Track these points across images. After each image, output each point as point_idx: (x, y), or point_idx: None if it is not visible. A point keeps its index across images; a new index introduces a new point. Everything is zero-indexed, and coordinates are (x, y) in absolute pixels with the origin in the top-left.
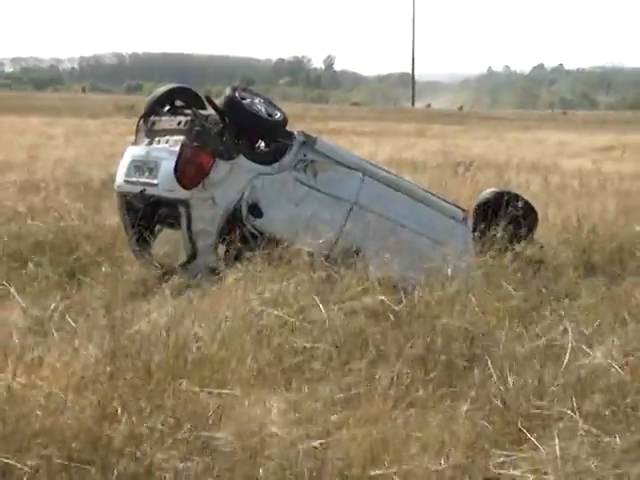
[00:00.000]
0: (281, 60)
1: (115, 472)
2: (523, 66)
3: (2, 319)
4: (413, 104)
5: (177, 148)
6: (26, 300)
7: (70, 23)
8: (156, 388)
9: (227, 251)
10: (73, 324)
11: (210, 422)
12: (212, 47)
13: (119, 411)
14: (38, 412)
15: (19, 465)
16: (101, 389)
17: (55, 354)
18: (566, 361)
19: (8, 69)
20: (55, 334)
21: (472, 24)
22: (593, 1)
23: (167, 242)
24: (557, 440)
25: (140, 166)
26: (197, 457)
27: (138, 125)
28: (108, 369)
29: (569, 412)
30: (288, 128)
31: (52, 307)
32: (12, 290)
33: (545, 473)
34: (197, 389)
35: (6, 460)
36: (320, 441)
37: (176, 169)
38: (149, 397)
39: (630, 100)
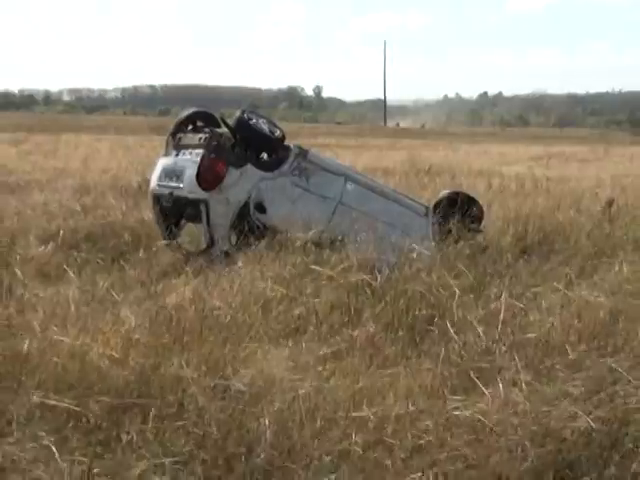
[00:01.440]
0: (280, 89)
1: (153, 412)
2: (471, 93)
3: (62, 295)
4: (385, 123)
5: (198, 159)
6: (81, 279)
7: (114, 60)
8: (185, 346)
9: (238, 240)
10: (117, 297)
11: (228, 371)
12: (225, 79)
13: (157, 365)
14: (94, 366)
15: (81, 410)
16: (141, 348)
17: (104, 321)
18: (505, 323)
19: (66, 98)
20: (104, 305)
21: (430, 60)
22: (523, 42)
23: (190, 233)
24: (501, 387)
25: (169, 173)
26: (218, 400)
27: (167, 141)
28: (146, 332)
29: (511, 364)
30: (286, 142)
31: (101, 285)
32: (70, 272)
33: (490, 414)
34: (217, 347)
35: (71, 406)
36: (313, 385)
37: (198, 175)
38: (180, 353)
39: (554, 119)
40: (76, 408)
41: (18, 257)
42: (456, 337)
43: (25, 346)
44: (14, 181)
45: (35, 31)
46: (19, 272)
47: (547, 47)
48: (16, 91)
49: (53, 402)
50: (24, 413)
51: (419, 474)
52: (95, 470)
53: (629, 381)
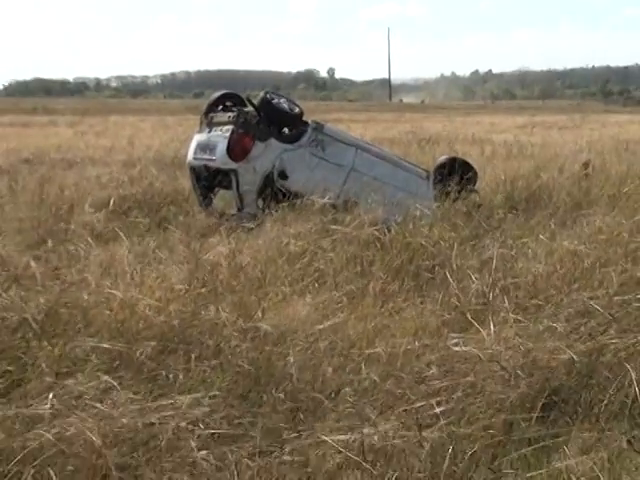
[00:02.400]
0: (298, 72)
1: (195, 354)
2: (464, 71)
3: (115, 253)
4: (390, 99)
5: (228, 134)
6: (130, 241)
7: (154, 49)
8: (220, 296)
9: (264, 203)
10: (162, 255)
11: (258, 316)
12: (251, 64)
13: (196, 312)
14: (142, 315)
15: (130, 351)
16: (184, 298)
17: (151, 275)
18: (497, 270)
19: (113, 84)
20: (150, 263)
21: (428, 43)
22: (509, 24)
23: (223, 199)
24: (493, 325)
25: (203, 147)
26: (249, 341)
27: (201, 120)
28: (188, 285)
29: (502, 306)
30: (304, 118)
31: (148, 244)
32: (121, 234)
33: (485, 348)
34: (248, 296)
35: (122, 349)
36: (331, 326)
37: (228, 148)
38: (216, 302)
39: (537, 92)
40: (125, 349)
41: (76, 222)
42: (454, 283)
43: (83, 299)
44: (71, 158)
45: (85, 25)
46: (78, 235)
47: (529, 28)
48: (71, 79)
49: (107, 346)
50: (83, 356)
51: (424, 402)
52: (147, 405)
53: (605, 317)
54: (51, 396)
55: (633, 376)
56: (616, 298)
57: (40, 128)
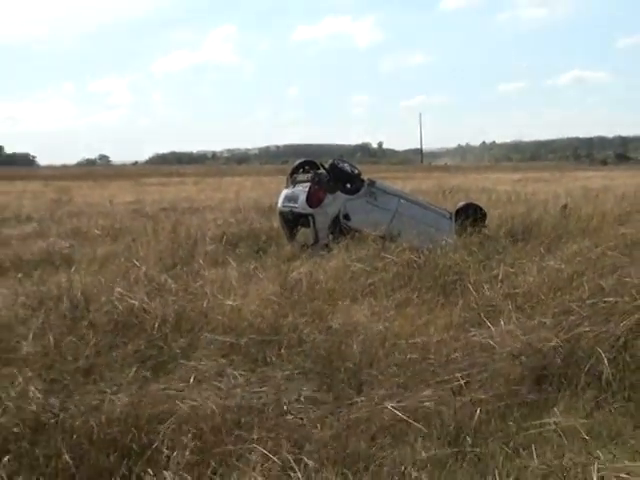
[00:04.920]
0: (356, 145)
1: (284, 344)
2: (475, 142)
3: (226, 273)
4: (422, 162)
5: (307, 189)
6: (237, 264)
7: (254, 128)
8: (301, 304)
9: (333, 237)
10: (260, 275)
11: (330, 317)
12: (323, 139)
13: (284, 315)
14: (245, 317)
15: (238, 342)
16: (277, 305)
17: (252, 289)
18: (502, 282)
19: (224, 155)
20: (251, 279)
21: (449, 122)
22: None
23: (303, 234)
24: (502, 323)
25: (289, 198)
26: (324, 335)
27: (287, 179)
28: (278, 295)
29: (507, 308)
30: (362, 177)
31: (249, 267)
32: (230, 259)
33: (495, 338)
34: (321, 303)
35: (232, 340)
36: (383, 324)
37: (307, 199)
38: (300, 308)
39: (528, 157)
40: (236, 342)
41: (198, 253)
42: (472, 292)
43: (203, 305)
44: (195, 206)
45: (206, 112)
46: (200, 261)
47: (523, 111)
48: (194, 151)
49: (221, 338)
50: (205, 345)
51: (450, 376)
52: (252, 380)
53: (580, 315)
54: (182, 375)
55: (602, 357)
56: (588, 301)
57: (174, 186)
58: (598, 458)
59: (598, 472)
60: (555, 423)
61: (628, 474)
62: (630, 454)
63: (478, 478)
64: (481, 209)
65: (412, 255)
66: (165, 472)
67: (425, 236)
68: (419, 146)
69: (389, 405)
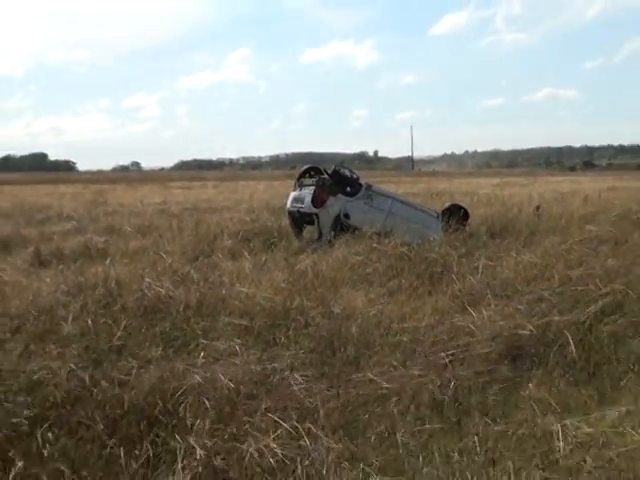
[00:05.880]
0: (355, 153)
1: (292, 326)
2: (460, 151)
3: (241, 265)
4: (413, 169)
5: (312, 191)
6: (251, 256)
7: (266, 137)
8: (307, 291)
9: (335, 233)
10: (270, 266)
11: (331, 303)
12: (325, 147)
13: (292, 301)
14: (258, 302)
15: (251, 325)
16: (286, 291)
17: (264, 278)
18: (483, 273)
19: (240, 162)
20: (263, 270)
21: (436, 133)
22: (489, 122)
23: (308, 231)
24: (483, 310)
25: (297, 199)
26: (326, 319)
27: (295, 183)
28: (287, 284)
29: (486, 296)
30: (360, 181)
31: (261, 259)
32: (245, 253)
33: (476, 325)
34: (324, 291)
35: (246, 323)
36: (378, 309)
37: (312, 200)
38: (306, 294)
39: (505, 164)
40: (250, 325)
41: (217, 247)
42: (456, 281)
43: (222, 292)
44: (214, 207)
45: (223, 123)
46: (219, 254)
47: (499, 125)
48: (214, 158)
49: (237, 321)
50: (222, 327)
51: (436, 355)
52: (263, 358)
53: (551, 302)
54: (202, 353)
55: (569, 339)
56: (557, 290)
57: (196, 189)
58: (565, 426)
59: (564, 436)
60: (529, 395)
61: (590, 438)
62: (593, 422)
63: (461, 443)
64: (464, 209)
65: (403, 249)
66: (189, 438)
67: (415, 233)
68: (410, 154)
69: (383, 380)
